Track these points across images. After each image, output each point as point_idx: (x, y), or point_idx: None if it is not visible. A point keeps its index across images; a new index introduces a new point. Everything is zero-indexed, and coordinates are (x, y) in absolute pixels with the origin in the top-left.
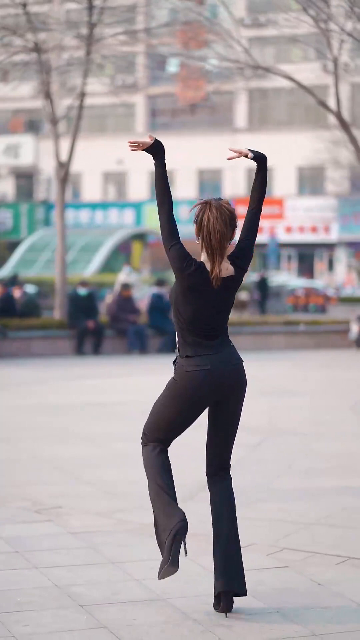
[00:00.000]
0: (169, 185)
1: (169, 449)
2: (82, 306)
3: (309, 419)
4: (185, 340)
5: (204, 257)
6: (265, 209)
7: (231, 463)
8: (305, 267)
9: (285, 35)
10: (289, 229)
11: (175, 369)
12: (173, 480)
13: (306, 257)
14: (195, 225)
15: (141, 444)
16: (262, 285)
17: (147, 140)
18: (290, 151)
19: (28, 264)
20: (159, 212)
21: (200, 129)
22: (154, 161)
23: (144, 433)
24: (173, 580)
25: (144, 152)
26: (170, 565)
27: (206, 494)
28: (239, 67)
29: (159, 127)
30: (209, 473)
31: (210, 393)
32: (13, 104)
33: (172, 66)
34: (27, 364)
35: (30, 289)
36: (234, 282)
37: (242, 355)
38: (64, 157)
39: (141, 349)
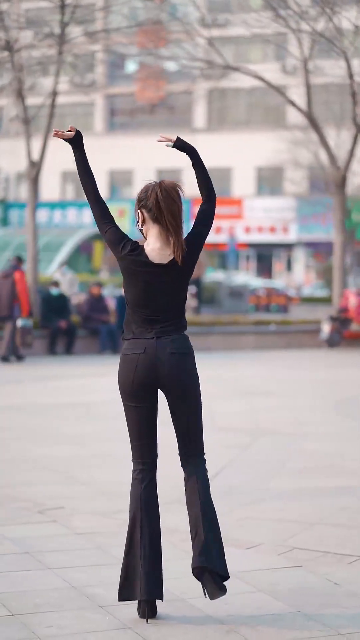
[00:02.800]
0: (91, 169)
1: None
2: (54, 306)
3: (293, 420)
4: (128, 324)
5: (152, 241)
6: (224, 209)
7: (205, 451)
8: (264, 267)
9: (246, 35)
10: (247, 229)
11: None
12: (156, 523)
13: (265, 257)
14: (140, 208)
15: (132, 471)
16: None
17: (70, 133)
18: (249, 151)
19: None
20: (87, 195)
21: (159, 129)
22: (73, 150)
23: None
24: (187, 581)
25: (66, 142)
26: (141, 616)
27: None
28: (203, 67)
29: (117, 126)
30: (181, 463)
31: (145, 379)
32: None
33: (132, 65)
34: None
35: None
36: (177, 268)
37: (213, 355)
38: (28, 156)
39: (113, 348)
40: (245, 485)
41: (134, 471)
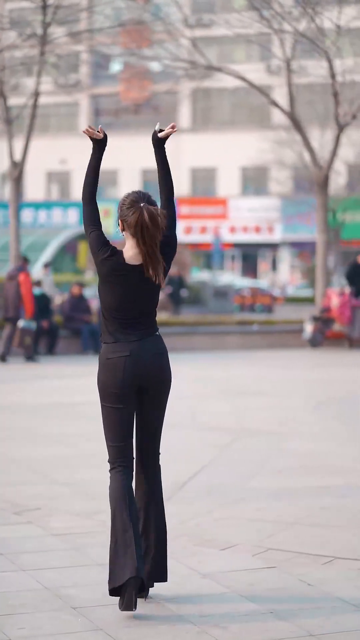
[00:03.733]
0: (93, 184)
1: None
2: (36, 306)
3: (275, 419)
4: (107, 328)
5: (129, 248)
6: (209, 209)
7: (160, 452)
8: (249, 267)
9: (230, 35)
10: (232, 229)
11: (99, 357)
12: (137, 513)
13: (250, 257)
14: (121, 219)
15: (109, 470)
16: (171, 283)
17: (99, 134)
18: (233, 151)
19: None
20: (85, 191)
21: (144, 129)
22: (96, 150)
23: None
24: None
25: (91, 140)
26: (125, 609)
27: (184, 495)
28: (187, 67)
29: (102, 126)
30: (140, 462)
31: (132, 381)
32: None
33: (117, 65)
34: None
35: None
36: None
37: (197, 355)
38: (10, 156)
39: (95, 349)
40: (225, 485)
41: (112, 469)
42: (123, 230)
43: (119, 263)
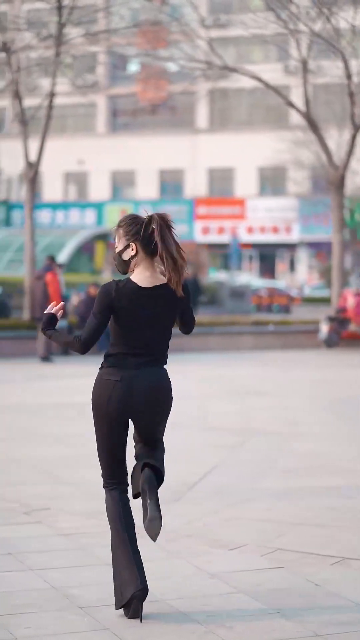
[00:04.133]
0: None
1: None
2: None
3: (285, 420)
4: (110, 350)
5: (141, 271)
6: (227, 209)
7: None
8: (267, 267)
9: (248, 36)
10: (250, 230)
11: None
12: (134, 529)
13: (267, 257)
14: (133, 241)
15: (103, 486)
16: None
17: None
18: (251, 152)
19: None
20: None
21: (161, 130)
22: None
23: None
24: (168, 581)
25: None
26: (131, 617)
27: (192, 495)
28: (203, 68)
29: (119, 127)
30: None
31: (120, 406)
32: None
33: (134, 66)
34: None
35: None
36: (169, 292)
37: (211, 356)
38: (25, 157)
39: None
40: (234, 485)
41: (106, 487)
42: (134, 255)
43: (132, 288)
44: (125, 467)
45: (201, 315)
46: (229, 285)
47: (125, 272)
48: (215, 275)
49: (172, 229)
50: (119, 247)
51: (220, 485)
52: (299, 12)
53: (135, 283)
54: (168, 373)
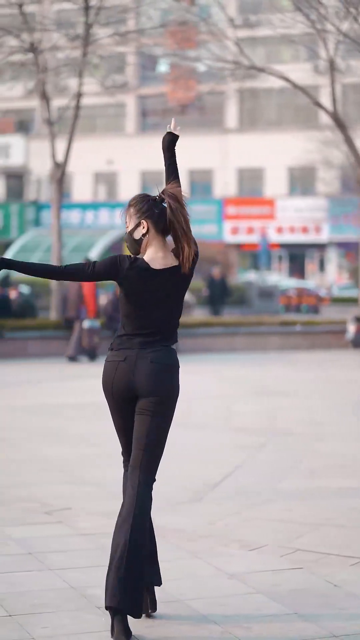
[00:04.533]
0: (47, 269)
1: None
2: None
3: (310, 420)
4: (118, 332)
5: (154, 251)
6: (256, 209)
7: (157, 475)
8: (296, 267)
9: (277, 35)
10: (279, 230)
11: None
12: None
13: (297, 257)
14: (145, 219)
15: (123, 462)
16: (214, 284)
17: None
18: (280, 151)
19: None
20: (52, 276)
21: (191, 130)
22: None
23: None
24: (187, 582)
25: None
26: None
27: (214, 496)
28: (232, 68)
29: (149, 127)
30: (129, 473)
31: (124, 386)
32: (2, 104)
33: (163, 66)
34: (23, 365)
35: (25, 289)
36: (179, 274)
37: (237, 356)
38: (58, 157)
39: None
40: (256, 485)
41: (124, 463)
42: (146, 233)
43: (144, 268)
44: None
45: (228, 316)
46: (258, 286)
47: (137, 253)
48: (244, 276)
49: (184, 206)
50: (130, 226)
51: (242, 485)
52: (327, 12)
53: (147, 263)
54: (175, 353)
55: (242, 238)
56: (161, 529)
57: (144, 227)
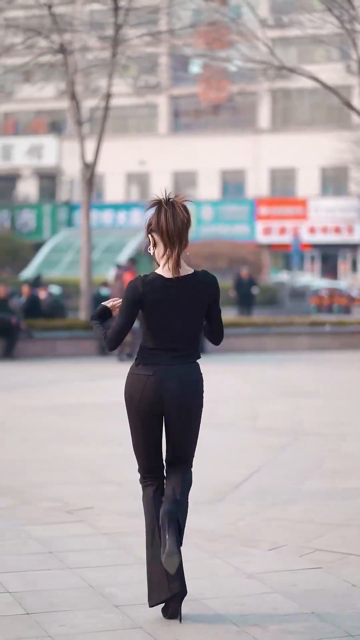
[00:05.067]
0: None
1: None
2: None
3: (335, 420)
4: (142, 348)
5: (161, 264)
6: (289, 210)
7: (193, 465)
8: (329, 267)
9: (308, 35)
10: (312, 230)
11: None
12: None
13: (329, 257)
14: (149, 233)
15: (139, 481)
16: (242, 285)
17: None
18: (313, 152)
19: (51, 264)
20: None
21: (223, 130)
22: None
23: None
24: (206, 581)
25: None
26: (169, 618)
27: (236, 495)
28: (263, 68)
29: (181, 127)
30: (166, 471)
31: (152, 400)
32: (35, 105)
33: (195, 67)
34: (52, 365)
35: (55, 289)
36: (197, 282)
37: (267, 356)
38: (88, 158)
39: None
40: (278, 486)
41: (142, 482)
42: (154, 246)
43: (155, 279)
44: (162, 461)
45: (258, 316)
46: (289, 286)
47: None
48: (276, 276)
49: (180, 210)
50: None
51: (264, 485)
52: (357, 12)
53: (161, 275)
54: (200, 368)
55: (275, 238)
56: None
57: (151, 242)
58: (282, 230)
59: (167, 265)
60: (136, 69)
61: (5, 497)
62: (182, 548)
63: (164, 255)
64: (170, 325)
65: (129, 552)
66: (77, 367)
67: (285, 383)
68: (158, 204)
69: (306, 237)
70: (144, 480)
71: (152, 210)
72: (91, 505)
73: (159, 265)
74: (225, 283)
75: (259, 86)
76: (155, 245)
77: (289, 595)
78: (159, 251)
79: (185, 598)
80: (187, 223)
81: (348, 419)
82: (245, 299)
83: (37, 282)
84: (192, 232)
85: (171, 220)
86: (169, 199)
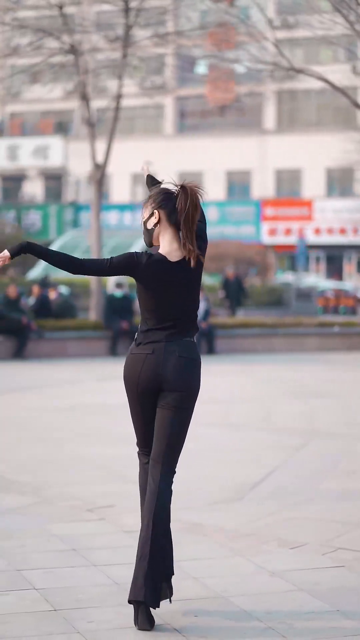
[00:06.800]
0: (66, 260)
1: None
2: (117, 307)
3: (349, 421)
4: (141, 327)
5: (167, 243)
6: (294, 211)
7: (177, 470)
8: (334, 268)
9: (316, 36)
10: (317, 231)
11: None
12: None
13: (335, 258)
14: (158, 209)
15: (137, 452)
16: (229, 285)
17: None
18: (319, 153)
19: None
20: (78, 268)
21: (229, 131)
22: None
23: None
24: (229, 579)
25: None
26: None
27: (255, 495)
28: (270, 69)
29: (187, 128)
30: (150, 464)
31: (151, 378)
32: (42, 106)
33: (202, 67)
34: (62, 365)
35: (64, 290)
36: (197, 265)
37: (276, 357)
38: (98, 158)
39: None
40: (296, 485)
41: (139, 453)
42: (157, 223)
43: (161, 261)
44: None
45: (266, 316)
46: (295, 287)
47: (150, 243)
48: (282, 277)
49: (198, 201)
50: (145, 216)
51: (282, 485)
52: None
53: (165, 257)
54: (196, 345)
55: (280, 239)
56: (203, 527)
57: (156, 217)
58: (288, 232)
59: (171, 246)
60: (143, 69)
61: (26, 496)
62: (205, 546)
63: (166, 235)
64: (170, 305)
65: None
66: (88, 368)
67: (297, 384)
68: (179, 186)
69: (312, 238)
70: (140, 451)
71: (160, 188)
72: (112, 503)
73: (154, 244)
74: (211, 284)
75: (265, 87)
76: (158, 220)
77: (314, 593)
78: (161, 229)
79: (211, 595)
80: (199, 209)
81: None
82: (233, 299)
83: (44, 283)
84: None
85: (189, 203)
86: (185, 184)
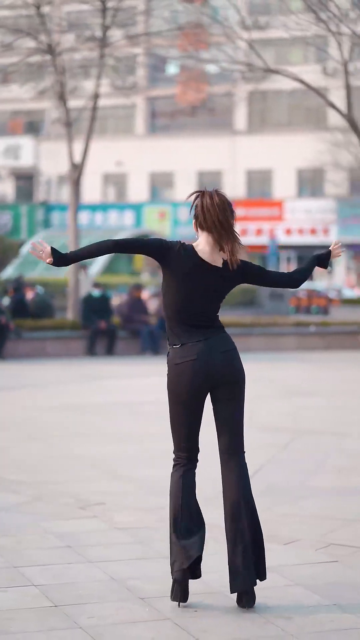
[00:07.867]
0: (98, 247)
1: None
2: (95, 307)
3: (333, 419)
4: (172, 330)
5: (202, 244)
6: (265, 211)
7: (245, 450)
8: None
9: (286, 37)
10: (288, 231)
11: (167, 361)
12: (195, 505)
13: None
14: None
15: (173, 460)
16: None
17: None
18: (290, 153)
19: (30, 265)
20: (108, 252)
21: (200, 131)
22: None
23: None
24: (227, 574)
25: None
26: (173, 599)
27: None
28: (244, 70)
29: (158, 128)
30: (222, 459)
31: (202, 383)
32: (12, 105)
33: (173, 68)
34: (42, 365)
35: (40, 289)
36: (229, 271)
37: (254, 356)
38: (72, 158)
39: (154, 349)
40: (285, 483)
41: (174, 465)
42: (196, 227)
43: (195, 256)
44: (196, 447)
45: (240, 316)
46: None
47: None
48: None
49: (216, 202)
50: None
51: (271, 483)
52: (340, 13)
53: (197, 253)
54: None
55: (251, 240)
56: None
57: (194, 226)
58: (259, 232)
59: (204, 247)
60: (119, 69)
61: (22, 494)
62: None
63: (202, 237)
64: (198, 301)
65: (147, 546)
66: (68, 367)
67: (279, 383)
68: (200, 192)
69: (282, 239)
70: (176, 459)
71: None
72: (104, 501)
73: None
74: None
75: (236, 88)
76: (195, 226)
77: (311, 587)
78: (200, 235)
79: (210, 591)
80: (229, 214)
81: (348, 419)
82: None
83: (18, 283)
84: (170, 233)
85: (215, 208)
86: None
